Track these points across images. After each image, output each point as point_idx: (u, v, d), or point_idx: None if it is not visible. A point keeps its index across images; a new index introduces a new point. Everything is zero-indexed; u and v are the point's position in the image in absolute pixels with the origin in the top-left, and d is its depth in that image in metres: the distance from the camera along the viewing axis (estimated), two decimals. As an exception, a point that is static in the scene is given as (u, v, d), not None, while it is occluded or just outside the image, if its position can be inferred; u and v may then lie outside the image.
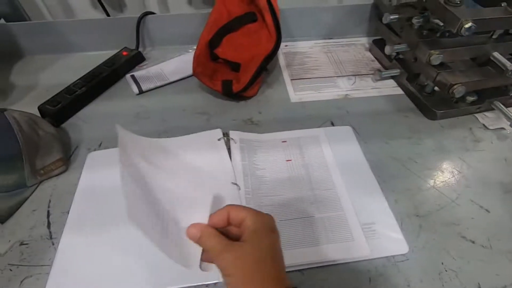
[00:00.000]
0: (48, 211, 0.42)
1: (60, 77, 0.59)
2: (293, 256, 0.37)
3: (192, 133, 0.51)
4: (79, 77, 0.58)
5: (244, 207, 0.28)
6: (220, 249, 0.25)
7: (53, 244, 0.39)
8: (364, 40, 0.72)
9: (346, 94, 0.59)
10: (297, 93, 0.59)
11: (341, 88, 0.60)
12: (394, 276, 0.36)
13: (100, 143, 0.50)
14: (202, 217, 0.28)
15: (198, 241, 0.27)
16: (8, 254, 0.38)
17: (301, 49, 0.69)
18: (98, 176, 0.45)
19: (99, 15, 0.71)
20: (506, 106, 0.53)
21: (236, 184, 0.43)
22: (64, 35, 0.64)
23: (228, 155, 0.46)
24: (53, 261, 0.37)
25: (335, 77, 0.62)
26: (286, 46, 0.70)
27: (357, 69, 0.64)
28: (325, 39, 0.72)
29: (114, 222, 0.40)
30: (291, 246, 0.38)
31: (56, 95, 0.54)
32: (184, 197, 0.40)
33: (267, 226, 0.27)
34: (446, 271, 0.37)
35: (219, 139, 0.48)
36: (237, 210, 0.27)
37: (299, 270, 0.37)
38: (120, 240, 0.38)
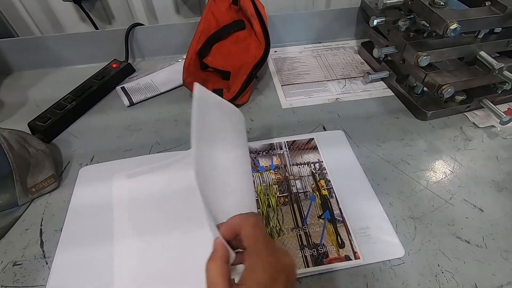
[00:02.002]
0: (41, 230, 0.41)
1: (50, 92, 0.58)
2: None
3: (185, 143, 0.51)
4: (69, 92, 0.57)
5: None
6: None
7: (46, 263, 0.38)
8: (353, 43, 0.73)
9: (337, 98, 0.59)
10: (288, 99, 0.59)
11: (331, 92, 0.60)
12: (390, 280, 0.36)
13: (92, 158, 0.50)
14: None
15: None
16: (1, 275, 0.37)
17: (290, 54, 0.70)
18: (90, 191, 0.45)
19: (87, 28, 0.71)
20: (495, 104, 0.53)
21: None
22: (53, 50, 0.64)
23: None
24: (47, 281, 0.36)
25: (326, 81, 0.63)
26: (275, 51, 0.70)
27: (347, 72, 0.65)
28: (314, 43, 0.72)
29: (107, 238, 0.39)
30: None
31: (46, 110, 0.54)
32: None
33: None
34: (442, 272, 0.37)
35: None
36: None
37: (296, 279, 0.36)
38: (115, 257, 0.38)
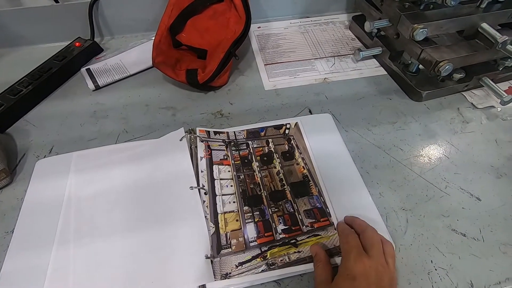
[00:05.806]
0: (-10, 232, 0.37)
1: (4, 76, 0.52)
2: (268, 266, 0.33)
3: (156, 130, 0.46)
4: (25, 74, 0.51)
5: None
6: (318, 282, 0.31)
7: (-6, 270, 0.34)
8: (344, 17, 0.67)
9: (325, 78, 0.54)
10: (272, 80, 0.54)
11: (319, 72, 0.55)
12: (379, 280, 0.33)
13: (51, 149, 0.44)
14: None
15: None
16: None
17: (275, 30, 0.63)
18: (48, 187, 0.40)
19: (47, 2, 0.63)
20: (495, 82, 0.49)
21: (200, 187, 0.38)
22: (7, 27, 0.57)
23: (189, 157, 0.41)
24: (-6, 291, 0.32)
25: (313, 60, 0.57)
26: (258, 27, 0.64)
27: (336, 50, 0.59)
28: (301, 18, 0.66)
29: (66, 240, 0.35)
30: (265, 254, 0.34)
31: (-3, 96, 0.48)
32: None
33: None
34: (436, 269, 0.34)
35: (181, 140, 0.43)
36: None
37: (275, 281, 0.33)
38: (74, 261, 0.34)
